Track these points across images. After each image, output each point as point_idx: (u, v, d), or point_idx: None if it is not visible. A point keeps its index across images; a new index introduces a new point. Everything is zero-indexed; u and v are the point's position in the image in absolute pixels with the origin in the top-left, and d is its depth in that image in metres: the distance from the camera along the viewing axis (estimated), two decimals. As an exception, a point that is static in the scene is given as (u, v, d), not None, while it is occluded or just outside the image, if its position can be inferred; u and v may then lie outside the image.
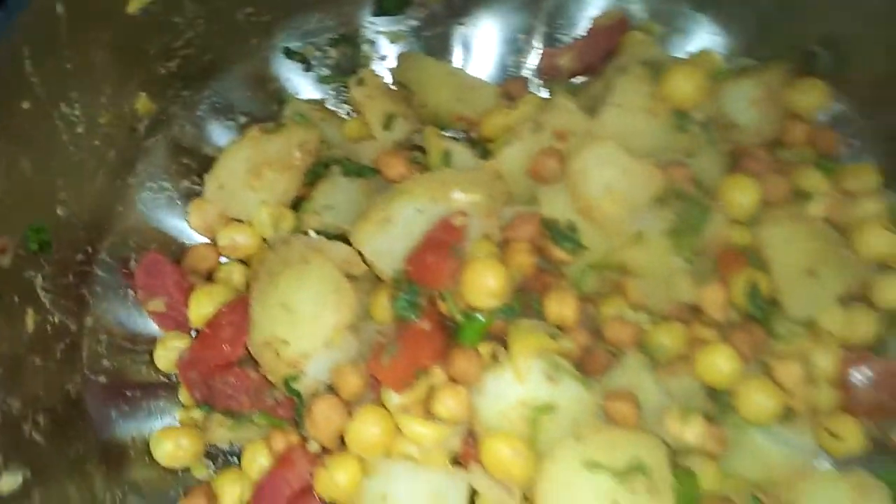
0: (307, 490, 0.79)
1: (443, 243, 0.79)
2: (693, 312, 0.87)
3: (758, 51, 0.95)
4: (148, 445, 0.84)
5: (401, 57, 1.03)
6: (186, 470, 0.86)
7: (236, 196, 0.91)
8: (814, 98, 0.92)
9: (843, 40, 0.90)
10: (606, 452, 0.75)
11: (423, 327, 0.80)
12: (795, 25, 0.93)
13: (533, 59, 1.05)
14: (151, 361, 0.89)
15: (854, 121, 0.93)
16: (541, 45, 1.04)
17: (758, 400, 0.83)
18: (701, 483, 0.81)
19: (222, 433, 0.84)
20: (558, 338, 0.82)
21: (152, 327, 0.90)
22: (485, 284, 0.81)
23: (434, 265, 0.79)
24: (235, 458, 0.88)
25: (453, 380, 0.81)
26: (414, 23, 1.02)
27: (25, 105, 0.70)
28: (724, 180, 0.87)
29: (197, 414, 0.87)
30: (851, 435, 0.85)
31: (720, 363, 0.83)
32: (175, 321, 0.89)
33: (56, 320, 0.77)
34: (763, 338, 0.85)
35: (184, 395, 0.88)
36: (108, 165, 0.83)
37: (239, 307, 0.84)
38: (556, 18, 1.03)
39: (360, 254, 0.84)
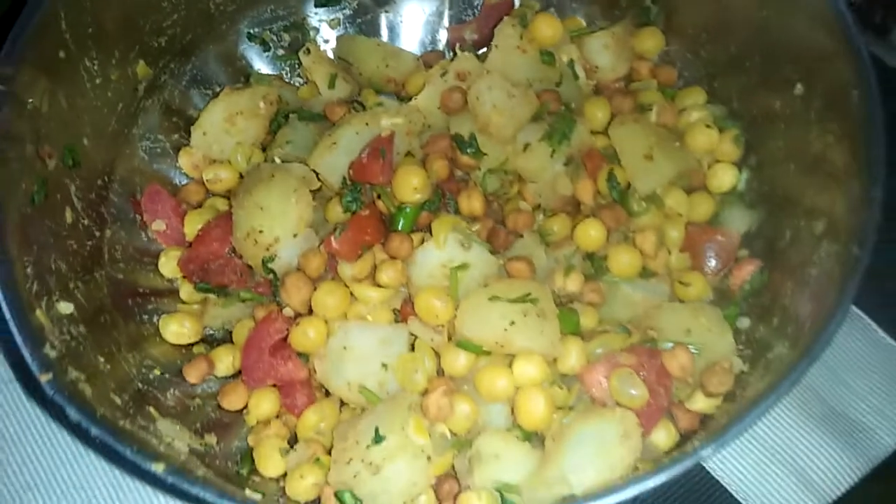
0: (284, 343, 1.03)
1: (376, 150, 1.06)
2: (572, 202, 1.15)
3: (609, 15, 1.26)
4: (158, 328, 1.08)
5: (339, 38, 1.31)
6: (190, 346, 1.09)
7: (216, 140, 1.17)
8: (652, 42, 1.22)
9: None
10: (505, 291, 1.01)
11: (364, 214, 1.06)
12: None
13: (443, 36, 1.34)
14: (157, 270, 1.13)
15: (684, 57, 1.23)
16: (448, 24, 1.34)
17: (624, 260, 1.10)
18: (583, 322, 1.07)
19: (216, 312, 1.08)
20: (469, 223, 1.09)
21: (156, 246, 1.14)
22: (410, 182, 1.07)
23: (370, 166, 1.06)
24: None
25: (392, 257, 1.07)
26: (348, 11, 1.31)
27: (61, 54, 0.96)
28: (585, 101, 1.17)
29: (196, 305, 1.11)
30: (697, 283, 1.11)
31: (592, 232, 1.10)
32: (174, 238, 1.14)
33: (85, 222, 1.01)
34: (624, 214, 1.12)
35: (184, 292, 1.12)
36: (117, 115, 1.09)
37: (224, 218, 1.09)
38: (459, 2, 1.33)
39: (315, 173, 1.11)
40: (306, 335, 1.02)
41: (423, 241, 1.05)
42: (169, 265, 1.12)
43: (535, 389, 0.97)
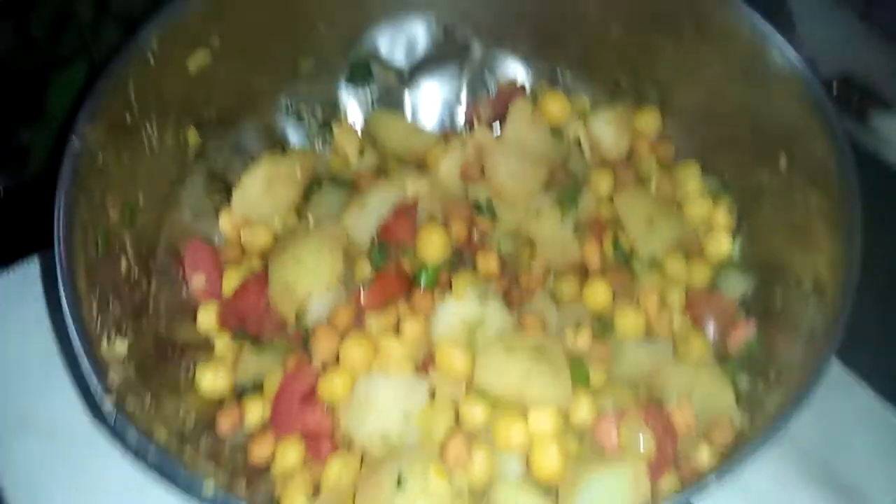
0: (312, 394, 1.10)
1: (402, 212, 1.17)
2: (580, 265, 1.25)
3: (611, 96, 1.39)
4: (192, 379, 1.15)
5: (368, 118, 1.44)
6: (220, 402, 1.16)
7: (255, 203, 1.27)
8: (650, 121, 1.34)
9: (665, 83, 1.34)
10: (520, 343, 1.09)
11: (390, 271, 1.16)
12: (635, 81, 1.37)
13: (461, 113, 1.48)
14: (193, 324, 1.21)
15: (680, 134, 1.35)
16: (466, 104, 1.47)
17: (629, 320, 1.19)
18: (592, 378, 1.15)
19: (249, 362, 1.16)
20: (486, 282, 1.19)
21: (194, 302, 1.23)
22: (432, 242, 1.17)
23: (396, 226, 1.16)
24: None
25: (415, 311, 1.16)
26: (376, 91, 1.45)
27: (127, 118, 1.08)
28: (591, 172, 1.28)
29: (230, 357, 1.19)
30: (698, 344, 1.20)
31: (599, 293, 1.19)
32: (212, 293, 1.22)
33: (136, 274, 1.10)
34: (628, 277, 1.22)
35: (220, 344, 1.20)
36: (168, 175, 1.20)
37: (261, 274, 1.19)
38: (475, 84, 1.46)
39: (346, 233, 1.21)
40: (333, 385, 1.09)
41: (443, 298, 1.14)
42: (207, 318, 1.20)
43: (549, 440, 1.04)
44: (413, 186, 1.21)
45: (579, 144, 1.30)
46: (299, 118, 1.40)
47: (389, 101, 1.46)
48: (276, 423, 1.10)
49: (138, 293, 1.11)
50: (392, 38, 1.39)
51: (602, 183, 1.26)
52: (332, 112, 1.42)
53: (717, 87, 1.25)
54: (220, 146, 1.30)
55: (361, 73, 1.41)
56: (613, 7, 1.29)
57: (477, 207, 1.22)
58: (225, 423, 1.12)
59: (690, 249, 1.27)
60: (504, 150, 1.23)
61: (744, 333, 1.17)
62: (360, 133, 1.40)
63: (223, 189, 1.30)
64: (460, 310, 1.12)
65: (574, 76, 1.40)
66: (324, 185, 1.29)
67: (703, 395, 1.10)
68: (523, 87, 1.39)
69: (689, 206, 1.25)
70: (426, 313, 1.14)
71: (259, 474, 1.09)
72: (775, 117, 1.17)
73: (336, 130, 1.36)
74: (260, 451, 1.10)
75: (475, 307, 1.12)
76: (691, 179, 1.29)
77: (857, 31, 1.68)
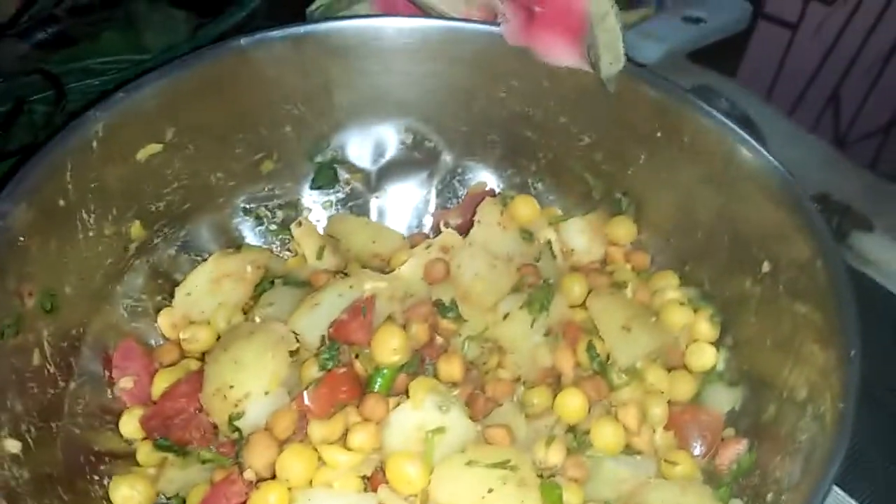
0: (242, 509, 0.95)
1: (357, 309, 1.07)
2: (552, 374, 1.14)
3: (584, 207, 1.34)
4: (107, 491, 1.00)
5: (330, 218, 1.38)
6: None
7: (200, 301, 1.17)
8: (624, 230, 1.28)
9: (639, 192, 1.29)
10: (484, 456, 0.96)
11: (340, 372, 1.04)
12: (608, 191, 1.33)
13: (428, 221, 1.42)
14: (115, 430, 1.07)
15: (655, 244, 1.29)
16: (434, 211, 1.42)
17: (607, 434, 1.06)
18: (567, 499, 1.00)
19: (172, 475, 1.01)
20: (448, 388, 1.07)
21: (119, 406, 1.10)
22: (389, 344, 1.06)
23: (350, 324, 1.06)
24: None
25: (366, 419, 1.03)
26: (341, 195, 1.39)
27: (61, 202, 1.00)
28: (562, 277, 1.20)
29: (151, 469, 1.04)
30: (684, 462, 1.07)
31: (572, 402, 1.07)
32: (140, 398, 1.09)
33: (52, 370, 0.98)
34: (605, 386, 1.10)
35: (142, 453, 1.05)
36: (104, 269, 1.10)
37: (195, 375, 1.06)
38: (444, 192, 1.41)
39: (294, 334, 1.10)
40: (266, 502, 0.94)
41: (398, 403, 1.02)
42: (131, 424, 1.06)
43: (514, 566, 0.89)
44: (371, 284, 1.11)
45: (551, 248, 1.23)
46: (257, 219, 1.33)
47: (354, 205, 1.40)
48: (196, 549, 0.94)
49: (51, 392, 0.98)
50: (360, 142, 1.36)
51: (575, 287, 1.18)
52: (293, 214, 1.36)
53: (692, 196, 1.21)
54: (168, 242, 1.22)
55: (327, 176, 1.36)
56: (584, 119, 1.27)
57: (440, 309, 1.12)
58: (136, 549, 0.96)
59: (672, 361, 1.17)
60: (471, 252, 1.15)
61: (734, 451, 1.05)
62: (320, 234, 1.33)
63: (166, 289, 1.21)
64: (417, 418, 0.99)
65: (545, 187, 1.36)
66: (276, 284, 1.20)
67: (691, 519, 0.96)
68: (492, 191, 1.34)
69: (668, 314, 1.17)
70: (379, 421, 1.01)
71: None
72: (754, 222, 1.12)
73: (295, 229, 1.28)
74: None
75: (434, 415, 0.99)
76: (669, 289, 1.21)
77: (831, 157, 1.69)
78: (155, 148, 1.13)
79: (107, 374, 1.09)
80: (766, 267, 1.08)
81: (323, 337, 1.08)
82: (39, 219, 0.97)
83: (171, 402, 1.03)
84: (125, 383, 1.09)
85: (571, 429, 1.08)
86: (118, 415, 1.08)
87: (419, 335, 1.10)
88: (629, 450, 1.07)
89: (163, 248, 1.21)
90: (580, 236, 1.27)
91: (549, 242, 1.24)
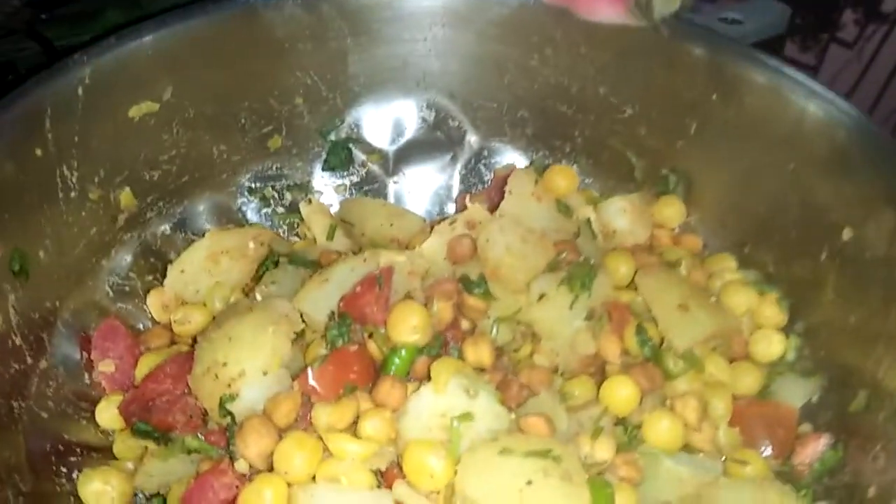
0: (231, 505, 0.80)
1: (372, 280, 0.93)
2: (595, 363, 0.98)
3: (625, 190, 1.20)
4: (76, 485, 0.85)
5: (343, 202, 1.25)
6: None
7: (194, 280, 1.04)
8: (671, 211, 1.14)
9: (688, 168, 1.16)
10: (520, 444, 0.80)
11: (351, 349, 0.89)
12: (653, 170, 1.19)
13: (451, 209, 1.28)
14: (90, 419, 0.93)
15: (708, 226, 1.14)
16: (457, 197, 1.28)
17: (662, 428, 0.90)
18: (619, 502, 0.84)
19: (152, 468, 0.86)
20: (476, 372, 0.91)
21: (97, 393, 0.96)
22: (408, 321, 0.92)
23: (363, 296, 0.91)
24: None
25: (380, 405, 0.87)
26: (356, 178, 1.26)
27: (38, 151, 0.88)
28: (605, 255, 1.05)
29: (129, 464, 0.89)
30: (755, 462, 0.90)
31: (621, 391, 0.91)
32: (121, 383, 0.95)
33: (17, 342, 0.84)
34: (659, 375, 0.95)
35: (119, 446, 0.91)
36: (88, 239, 0.98)
37: (184, 356, 0.92)
38: (468, 176, 1.28)
39: (300, 315, 0.96)
40: (261, 498, 0.79)
41: (416, 388, 0.87)
42: (108, 412, 0.92)
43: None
44: (388, 257, 0.98)
45: (590, 226, 1.09)
46: (263, 199, 1.20)
47: (370, 189, 1.27)
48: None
49: (15, 367, 0.84)
50: (377, 119, 1.24)
51: (621, 266, 1.03)
52: (303, 197, 1.23)
53: (754, 166, 1.06)
54: (163, 218, 1.09)
55: (340, 156, 1.24)
56: (627, 88, 1.15)
57: (466, 285, 0.98)
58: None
59: (734, 351, 1.01)
60: (501, 224, 1.01)
61: (814, 449, 0.89)
62: (332, 214, 1.20)
63: (158, 268, 1.08)
64: (440, 404, 0.84)
65: (581, 168, 1.23)
66: (280, 263, 1.06)
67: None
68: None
69: (729, 297, 1.02)
70: (395, 408, 0.86)
71: None
72: (832, 186, 0.97)
73: (304, 207, 1.16)
74: None
75: (460, 400, 0.84)
76: (727, 272, 1.06)
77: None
78: (150, 107, 1.02)
79: (85, 356, 0.96)
80: (846, 235, 0.94)
81: (332, 314, 0.94)
82: (11, 165, 0.85)
83: (154, 383, 0.89)
84: (105, 366, 0.95)
85: (620, 422, 0.91)
86: (95, 402, 0.93)
87: (442, 314, 0.95)
88: (688, 448, 0.91)
89: (156, 224, 1.09)
90: (622, 216, 1.12)
91: (588, 221, 1.10)
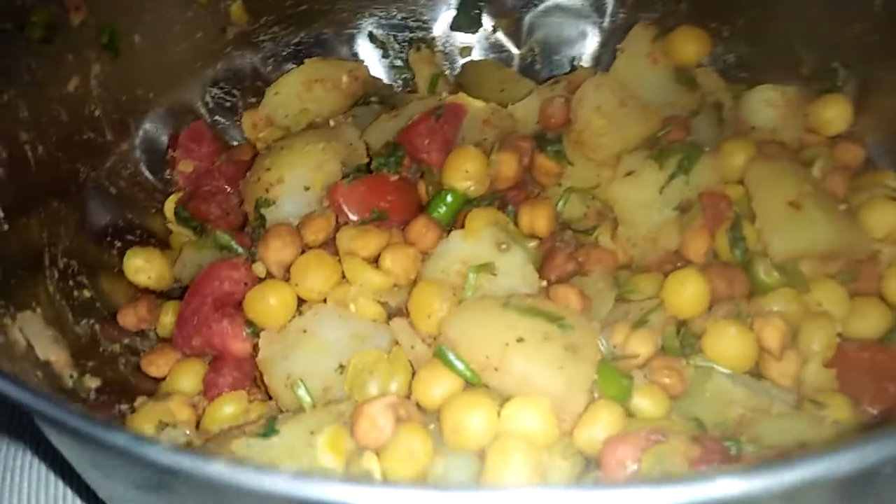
0: (234, 300, 0.79)
1: (430, 113, 0.86)
2: (674, 260, 0.83)
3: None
4: (121, 260, 0.89)
5: (465, 64, 1.17)
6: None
7: (287, 104, 1.03)
8: (834, 113, 0.92)
9: (866, 62, 0.93)
10: (527, 303, 0.70)
11: (392, 177, 0.84)
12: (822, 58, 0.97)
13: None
14: (160, 212, 0.97)
15: (878, 139, 0.91)
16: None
17: (727, 343, 0.73)
18: (642, 407, 0.70)
19: (187, 257, 0.87)
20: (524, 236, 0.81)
21: (171, 189, 0.99)
22: (462, 165, 0.84)
23: (419, 126, 0.85)
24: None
25: (409, 243, 0.81)
26: (484, 42, 1.18)
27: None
28: (722, 142, 0.88)
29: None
30: (840, 409, 0.71)
31: (688, 288, 0.76)
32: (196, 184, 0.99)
33: (96, 113, 0.89)
34: (743, 282, 0.77)
35: (174, 239, 0.95)
36: (192, 42, 1.00)
37: (245, 163, 0.93)
38: (604, 57, 1.13)
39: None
40: (265, 301, 0.77)
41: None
42: (174, 205, 0.95)
43: (521, 448, 0.62)
44: (463, 99, 0.89)
45: (720, 112, 0.92)
46: (383, 48, 1.16)
47: (497, 59, 1.18)
48: (180, 327, 0.80)
49: (90, 136, 0.88)
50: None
51: (738, 154, 0.86)
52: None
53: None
54: (277, 45, 1.10)
55: (470, 17, 1.16)
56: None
57: (541, 142, 0.87)
58: (129, 317, 0.85)
59: (863, 285, 0.80)
60: (598, 81, 0.88)
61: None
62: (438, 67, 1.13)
63: (262, 92, 1.08)
64: (466, 249, 0.76)
65: (738, 59, 1.04)
66: (371, 103, 1.02)
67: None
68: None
69: (869, 213, 0.80)
70: (425, 250, 0.79)
71: (129, 388, 0.79)
72: None
73: (413, 53, 1.11)
74: (154, 367, 0.82)
75: (488, 250, 0.75)
76: (880, 187, 0.84)
77: None
78: None
79: (170, 153, 0.99)
80: None
81: (388, 143, 0.88)
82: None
83: (209, 178, 0.90)
84: (185, 166, 0.98)
85: (680, 325, 0.76)
86: (164, 197, 0.97)
87: (505, 168, 0.86)
88: (756, 373, 0.74)
89: (269, 50, 1.09)
90: (768, 109, 0.92)
91: (719, 105, 0.92)
